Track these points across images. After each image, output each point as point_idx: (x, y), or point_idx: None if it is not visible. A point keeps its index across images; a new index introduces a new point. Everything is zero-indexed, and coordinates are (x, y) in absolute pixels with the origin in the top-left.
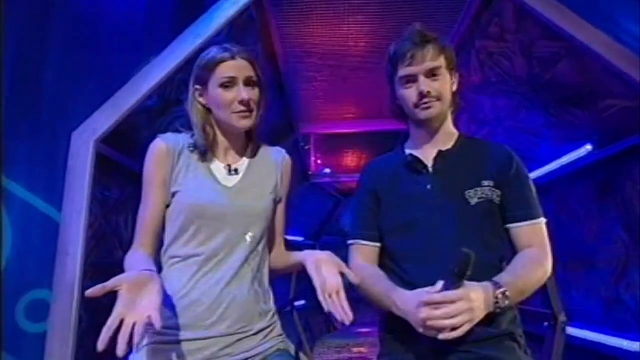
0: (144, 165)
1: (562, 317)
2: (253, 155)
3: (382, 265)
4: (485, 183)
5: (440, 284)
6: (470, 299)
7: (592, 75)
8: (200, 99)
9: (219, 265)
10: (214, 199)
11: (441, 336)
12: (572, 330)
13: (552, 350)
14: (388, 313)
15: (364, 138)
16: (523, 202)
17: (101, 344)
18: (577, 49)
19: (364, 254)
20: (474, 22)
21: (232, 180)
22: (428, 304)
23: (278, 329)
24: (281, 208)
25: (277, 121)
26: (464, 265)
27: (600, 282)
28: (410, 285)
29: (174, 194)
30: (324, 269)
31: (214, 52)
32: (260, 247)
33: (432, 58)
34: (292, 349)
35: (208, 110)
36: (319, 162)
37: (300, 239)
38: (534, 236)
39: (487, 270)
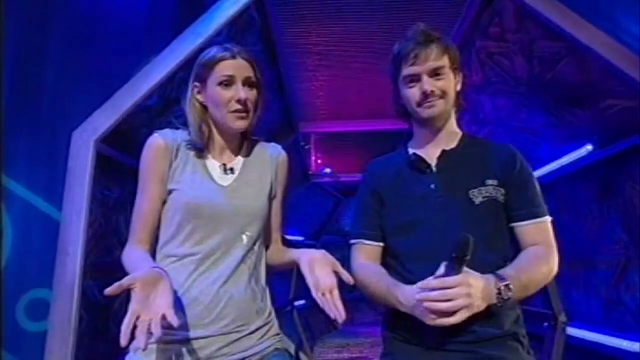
0: (140, 161)
1: (563, 318)
2: (248, 154)
3: (385, 265)
4: (490, 182)
5: (442, 269)
6: (469, 284)
7: (593, 75)
8: (198, 97)
9: (216, 264)
10: (211, 197)
11: (439, 321)
12: (572, 331)
13: (552, 350)
14: (391, 313)
15: (365, 137)
16: (528, 201)
17: (124, 339)
18: (578, 49)
19: (367, 253)
20: (475, 22)
21: (228, 180)
22: (424, 288)
23: (275, 327)
24: (277, 204)
25: (277, 121)
26: (462, 248)
27: (600, 283)
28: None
29: (170, 192)
30: (317, 269)
31: (214, 51)
32: (256, 246)
33: (435, 58)
34: (291, 348)
35: (205, 108)
36: (319, 161)
37: (300, 238)
38: (539, 234)
39: (491, 271)
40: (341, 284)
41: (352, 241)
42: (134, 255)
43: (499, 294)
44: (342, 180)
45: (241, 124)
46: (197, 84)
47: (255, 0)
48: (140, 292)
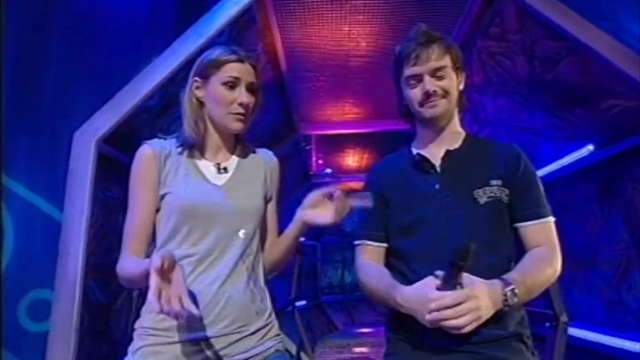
0: (130, 172)
1: (564, 318)
2: (241, 155)
3: (389, 265)
4: (494, 182)
5: (437, 277)
6: (475, 296)
7: (594, 75)
8: (197, 92)
9: (213, 264)
10: (205, 197)
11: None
12: (573, 331)
13: (554, 350)
14: (394, 313)
15: (365, 138)
16: (532, 201)
17: (157, 305)
18: (579, 49)
19: (370, 254)
20: (476, 22)
21: (222, 179)
22: (437, 309)
23: (275, 328)
24: (272, 207)
25: (278, 121)
26: (461, 255)
27: (601, 283)
28: None
29: (163, 196)
30: (318, 211)
31: (221, 50)
32: (253, 246)
33: (436, 58)
34: (292, 348)
35: (201, 104)
36: (320, 162)
37: (301, 239)
38: (543, 235)
39: (494, 271)
40: (343, 286)
41: (356, 242)
42: (131, 263)
43: (505, 299)
44: (342, 180)
45: (239, 126)
46: (197, 79)
47: (256, 0)
48: (156, 276)
